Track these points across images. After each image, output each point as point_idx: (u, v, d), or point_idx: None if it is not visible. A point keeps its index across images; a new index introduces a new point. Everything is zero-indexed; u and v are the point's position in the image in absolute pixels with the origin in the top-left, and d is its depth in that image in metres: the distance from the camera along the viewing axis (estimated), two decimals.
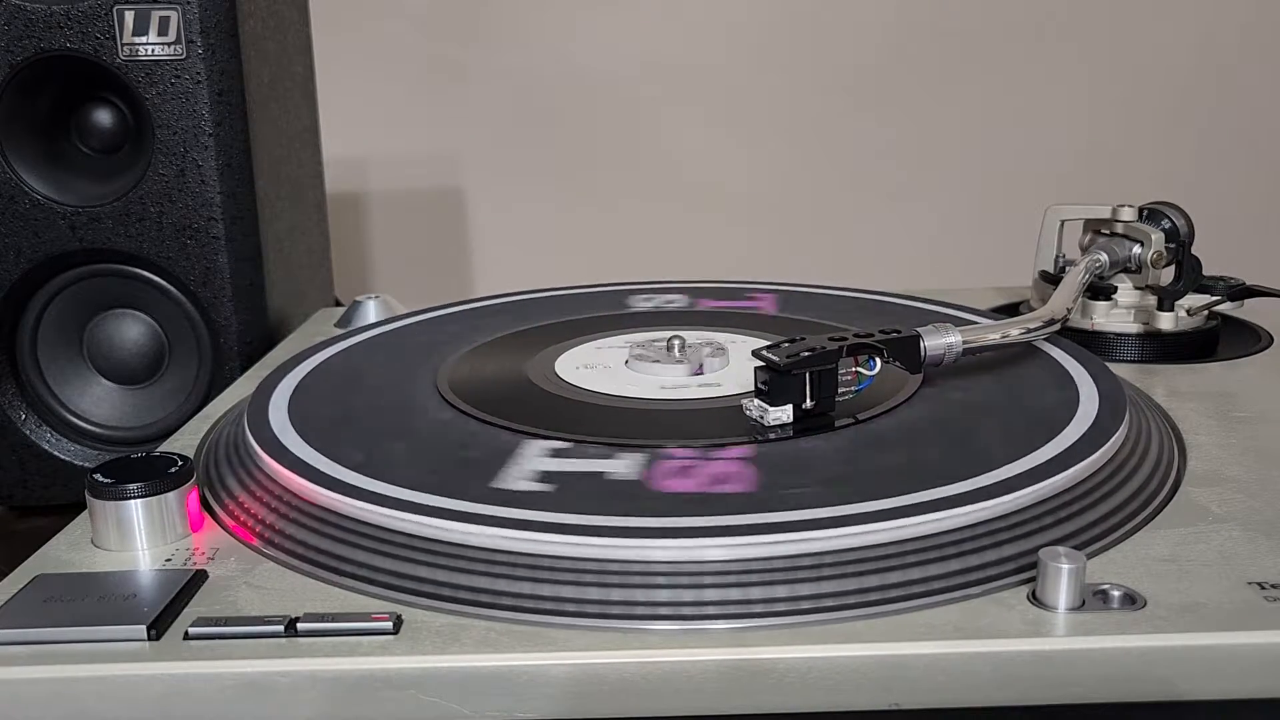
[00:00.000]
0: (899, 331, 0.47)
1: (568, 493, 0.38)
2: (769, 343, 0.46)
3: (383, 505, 0.37)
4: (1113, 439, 0.41)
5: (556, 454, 0.42)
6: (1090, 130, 1.07)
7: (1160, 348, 0.58)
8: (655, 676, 0.31)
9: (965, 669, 0.31)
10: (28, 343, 0.66)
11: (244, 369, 0.63)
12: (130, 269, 0.66)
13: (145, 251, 0.64)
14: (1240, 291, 0.60)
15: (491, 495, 0.38)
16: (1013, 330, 0.51)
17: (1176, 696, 0.31)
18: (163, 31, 0.61)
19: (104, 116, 0.66)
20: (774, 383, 0.44)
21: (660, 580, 0.33)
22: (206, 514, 0.41)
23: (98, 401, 0.68)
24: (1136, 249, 0.60)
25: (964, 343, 0.48)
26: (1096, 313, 0.60)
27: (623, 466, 0.40)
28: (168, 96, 0.62)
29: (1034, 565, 0.33)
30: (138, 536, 0.38)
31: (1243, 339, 0.61)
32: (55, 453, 0.67)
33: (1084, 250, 0.63)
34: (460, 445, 0.44)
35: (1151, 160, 1.08)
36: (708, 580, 0.33)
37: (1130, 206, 0.61)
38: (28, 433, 0.67)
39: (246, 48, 0.64)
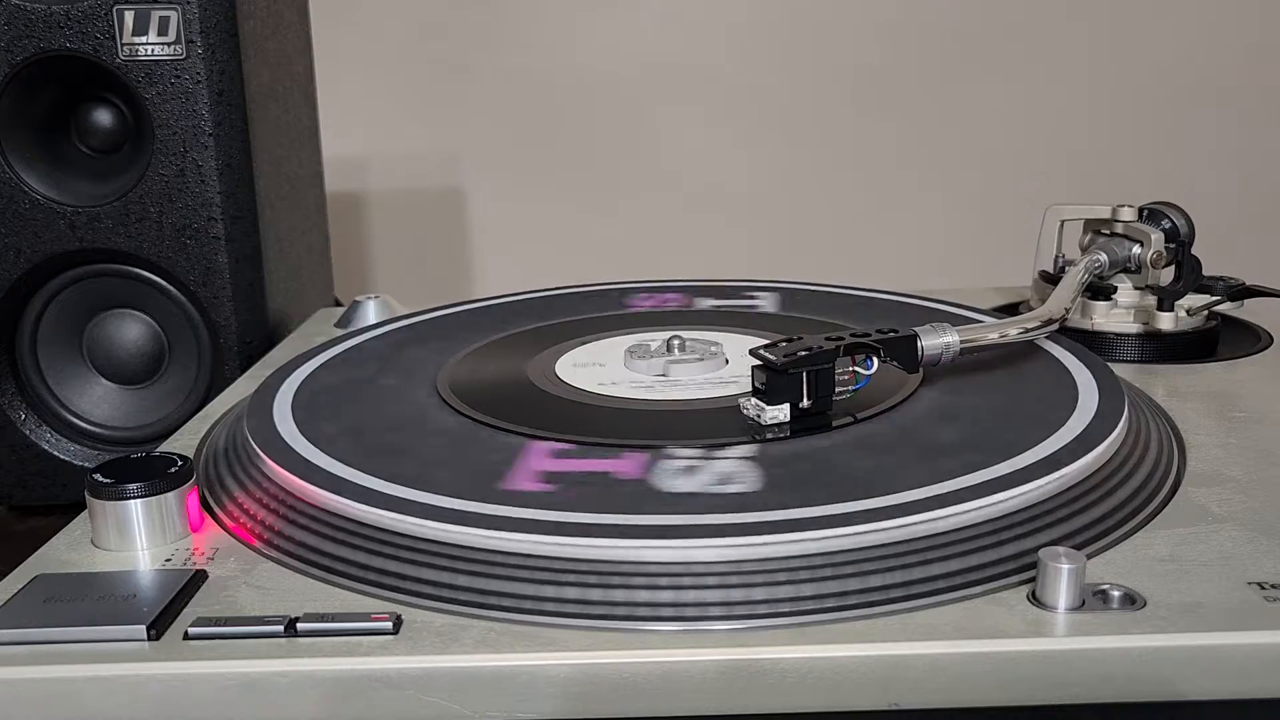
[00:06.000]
0: (896, 331, 0.47)
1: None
2: (767, 342, 0.46)
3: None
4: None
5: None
6: (1090, 130, 1.07)
7: (1160, 348, 0.58)
8: (655, 676, 0.31)
9: (965, 669, 0.31)
10: (28, 343, 0.66)
11: (244, 369, 0.63)
12: (130, 269, 0.66)
13: (145, 251, 0.64)
14: (1240, 291, 0.60)
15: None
16: (1011, 330, 0.51)
17: (1176, 696, 0.31)
18: (163, 31, 0.61)
19: (104, 116, 0.66)
20: (771, 382, 0.44)
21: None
22: (206, 514, 0.41)
23: (98, 401, 0.68)
24: (1136, 249, 0.60)
25: (961, 342, 0.48)
26: (1096, 313, 0.60)
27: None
28: (168, 96, 0.62)
29: (1034, 565, 0.33)
30: (137, 536, 0.38)
31: (1243, 339, 0.61)
32: (55, 453, 0.67)
33: (1084, 250, 0.63)
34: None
35: (1151, 160, 1.08)
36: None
37: (1130, 206, 0.61)
38: (28, 433, 0.67)
39: (246, 48, 0.64)
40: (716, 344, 0.55)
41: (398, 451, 0.43)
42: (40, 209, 0.63)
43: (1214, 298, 0.59)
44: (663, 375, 0.52)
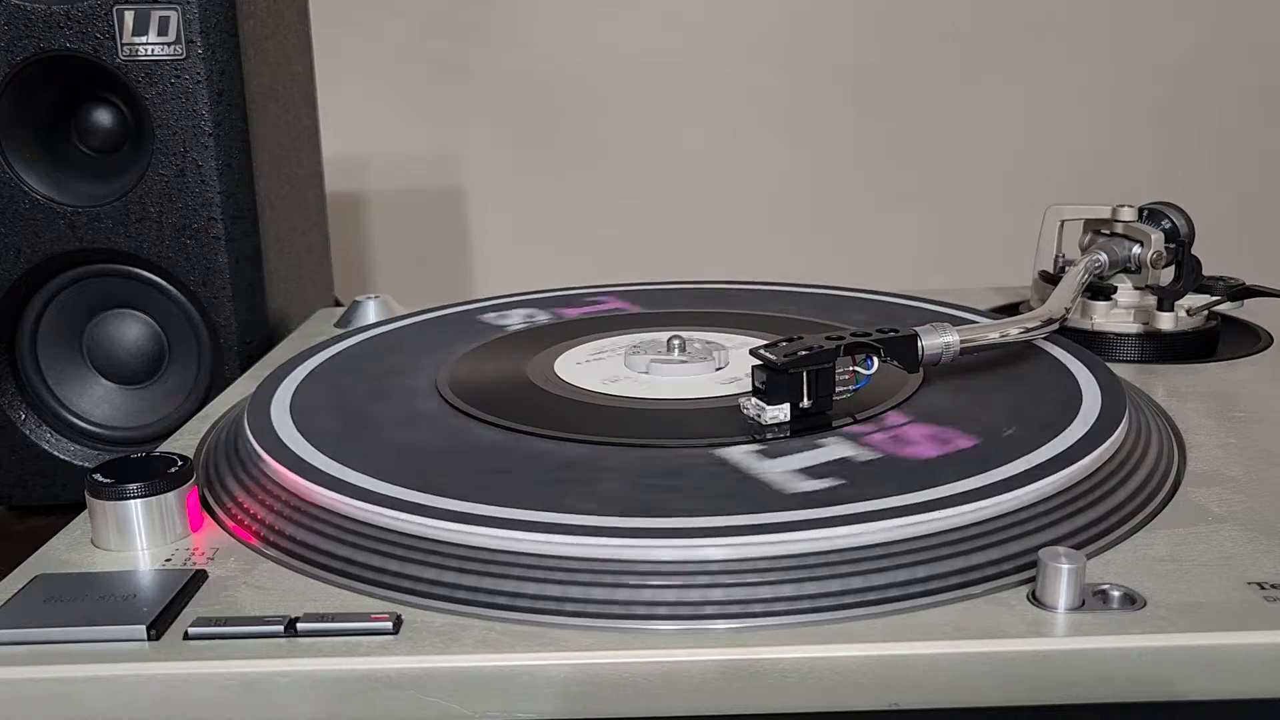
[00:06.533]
0: (896, 330, 0.47)
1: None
2: (767, 342, 0.46)
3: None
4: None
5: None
6: (1090, 130, 1.07)
7: (1160, 348, 0.58)
8: (655, 676, 0.31)
9: (965, 669, 0.31)
10: (28, 343, 0.66)
11: (244, 369, 0.63)
12: (130, 269, 0.66)
13: (145, 251, 0.64)
14: (1240, 291, 0.60)
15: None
16: (1011, 330, 0.51)
17: (1176, 696, 0.31)
18: (163, 31, 0.61)
19: (104, 116, 0.66)
20: (771, 382, 0.44)
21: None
22: (206, 514, 0.41)
23: (98, 401, 0.68)
24: (1136, 249, 0.60)
25: (961, 342, 0.48)
26: (1096, 313, 0.60)
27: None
28: (168, 96, 0.62)
29: (1034, 565, 0.33)
30: (137, 536, 0.38)
31: (1243, 339, 0.61)
32: (55, 453, 0.67)
33: (1084, 250, 0.63)
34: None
35: (1151, 160, 1.08)
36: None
37: (1130, 206, 0.61)
38: (28, 433, 0.67)
39: (246, 48, 0.64)
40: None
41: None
42: (40, 209, 0.63)
43: (1214, 298, 0.59)
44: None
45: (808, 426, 0.44)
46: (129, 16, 0.61)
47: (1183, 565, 0.35)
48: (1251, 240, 1.06)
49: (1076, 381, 0.48)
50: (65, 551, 0.39)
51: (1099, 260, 0.59)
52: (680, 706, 0.31)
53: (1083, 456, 0.39)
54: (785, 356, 0.44)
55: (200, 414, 0.54)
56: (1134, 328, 0.59)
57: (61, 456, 0.67)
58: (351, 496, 0.38)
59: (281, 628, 0.32)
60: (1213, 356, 0.58)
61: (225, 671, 0.31)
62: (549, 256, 1.10)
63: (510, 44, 1.05)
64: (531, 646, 0.32)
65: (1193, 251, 0.59)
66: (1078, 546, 0.35)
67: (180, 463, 0.40)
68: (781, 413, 0.44)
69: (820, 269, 0.99)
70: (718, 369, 0.52)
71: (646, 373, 0.52)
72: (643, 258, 1.08)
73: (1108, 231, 0.62)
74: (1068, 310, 0.54)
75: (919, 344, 0.47)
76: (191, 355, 0.67)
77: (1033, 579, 0.33)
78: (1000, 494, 0.36)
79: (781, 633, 0.32)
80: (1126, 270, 0.61)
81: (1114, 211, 0.61)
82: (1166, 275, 0.60)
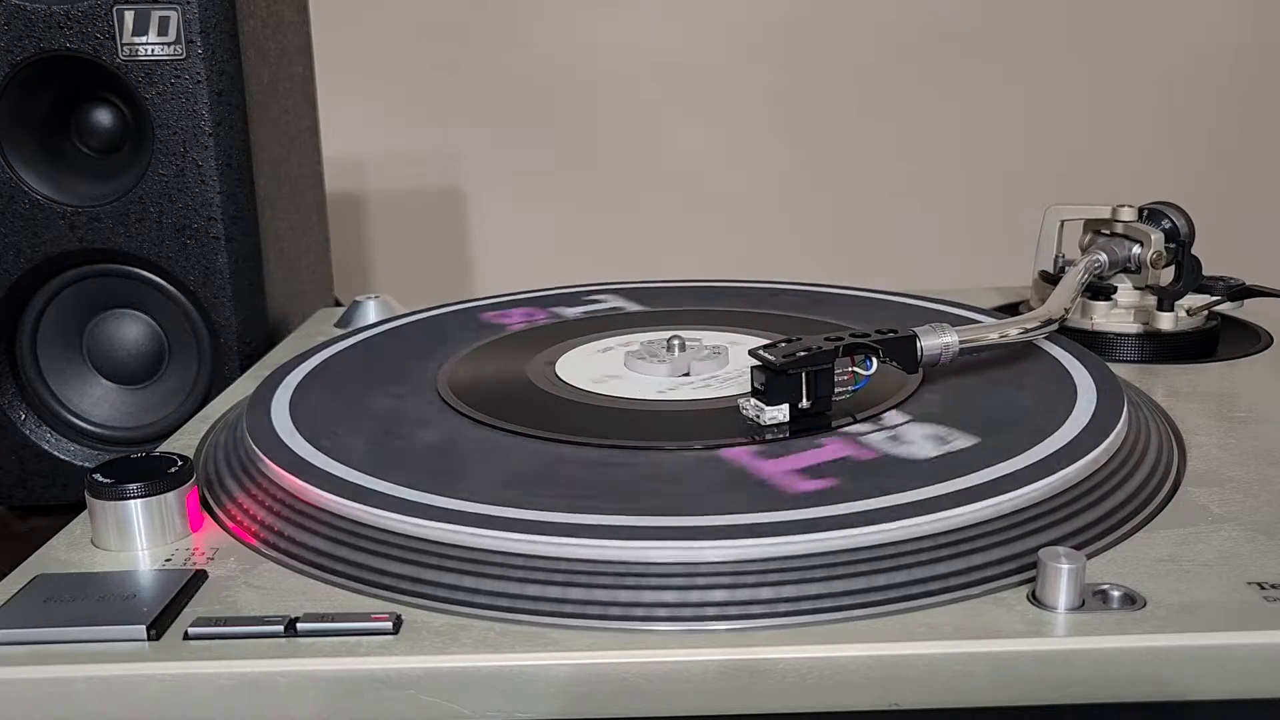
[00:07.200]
0: (895, 331, 0.47)
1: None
2: (766, 342, 0.46)
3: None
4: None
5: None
6: (1090, 130, 1.07)
7: (1160, 348, 0.58)
8: (655, 676, 0.31)
9: (965, 669, 0.31)
10: (28, 343, 0.66)
11: (244, 369, 0.63)
12: (130, 269, 0.66)
13: (145, 251, 0.64)
14: (1240, 291, 0.60)
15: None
16: (1010, 330, 0.51)
17: (1176, 696, 0.31)
18: (163, 31, 0.61)
19: (104, 116, 0.66)
20: (770, 382, 0.44)
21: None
22: (206, 514, 0.41)
23: (98, 401, 0.68)
24: (1136, 249, 0.60)
25: (961, 342, 0.48)
26: (1096, 313, 0.60)
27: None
28: (168, 96, 0.62)
29: (1034, 565, 0.33)
30: (137, 536, 0.38)
31: (1243, 339, 0.61)
32: (55, 453, 0.67)
33: (1084, 250, 0.63)
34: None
35: (1151, 160, 1.08)
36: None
37: (1130, 206, 0.61)
38: (28, 433, 0.67)
39: (246, 48, 0.64)
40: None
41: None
42: (40, 209, 0.63)
43: (1214, 298, 0.59)
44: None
45: (807, 427, 0.44)
46: (129, 16, 0.61)
47: (1183, 565, 0.35)
48: (1251, 240, 1.06)
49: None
50: (65, 551, 0.39)
51: (1099, 260, 0.59)
52: (680, 707, 0.31)
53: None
54: (784, 357, 0.44)
55: (200, 414, 0.54)
56: (1134, 328, 0.59)
57: (61, 456, 0.67)
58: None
59: (281, 628, 0.32)
60: (1213, 356, 0.58)
61: (225, 671, 0.31)
62: (549, 256, 1.10)
63: (510, 44, 1.05)
64: (531, 647, 0.32)
65: (1193, 251, 0.59)
66: (1078, 546, 0.35)
67: (180, 463, 0.40)
68: (780, 413, 0.44)
69: (821, 269, 0.99)
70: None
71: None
72: (643, 258, 1.08)
73: (1108, 231, 0.62)
74: (1067, 310, 0.54)
75: (918, 344, 0.47)
76: (191, 355, 0.67)
77: (1033, 579, 0.33)
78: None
79: (781, 633, 0.32)
80: (1126, 270, 0.61)
81: (1114, 211, 0.61)
82: (1166, 275, 0.60)
